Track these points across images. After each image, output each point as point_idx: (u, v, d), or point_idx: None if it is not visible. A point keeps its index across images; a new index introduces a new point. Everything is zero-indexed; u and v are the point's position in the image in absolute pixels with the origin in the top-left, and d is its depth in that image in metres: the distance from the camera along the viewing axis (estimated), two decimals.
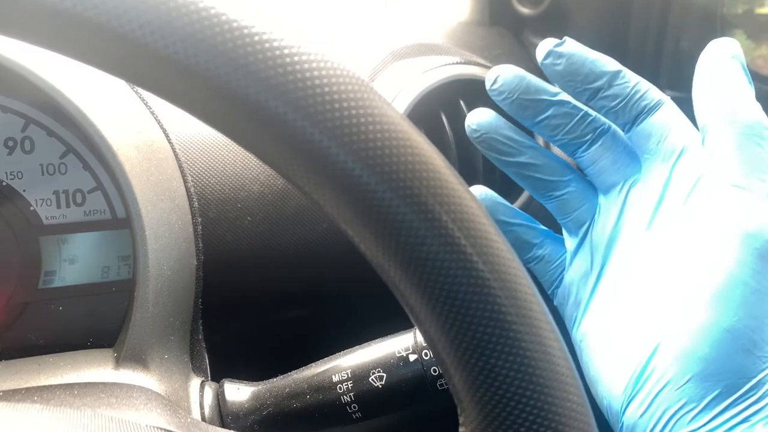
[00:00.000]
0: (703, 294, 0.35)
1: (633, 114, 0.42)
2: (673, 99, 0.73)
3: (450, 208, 0.25)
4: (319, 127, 0.23)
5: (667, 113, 0.42)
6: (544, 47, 0.42)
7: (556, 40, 0.42)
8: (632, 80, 0.42)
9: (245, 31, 0.22)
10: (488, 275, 0.25)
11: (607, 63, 0.42)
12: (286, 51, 0.22)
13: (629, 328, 0.39)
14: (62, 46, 0.23)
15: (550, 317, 0.26)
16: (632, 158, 0.43)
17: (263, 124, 0.23)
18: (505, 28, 0.73)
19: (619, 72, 0.42)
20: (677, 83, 0.74)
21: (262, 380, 0.44)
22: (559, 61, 0.41)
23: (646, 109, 0.42)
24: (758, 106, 0.37)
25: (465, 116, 0.59)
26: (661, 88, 0.69)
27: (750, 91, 0.37)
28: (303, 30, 0.63)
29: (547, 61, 0.42)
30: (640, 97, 0.42)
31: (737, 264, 0.35)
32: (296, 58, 0.22)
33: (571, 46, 0.42)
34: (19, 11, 0.21)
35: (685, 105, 0.76)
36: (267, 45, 0.22)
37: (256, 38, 0.22)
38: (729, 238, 0.35)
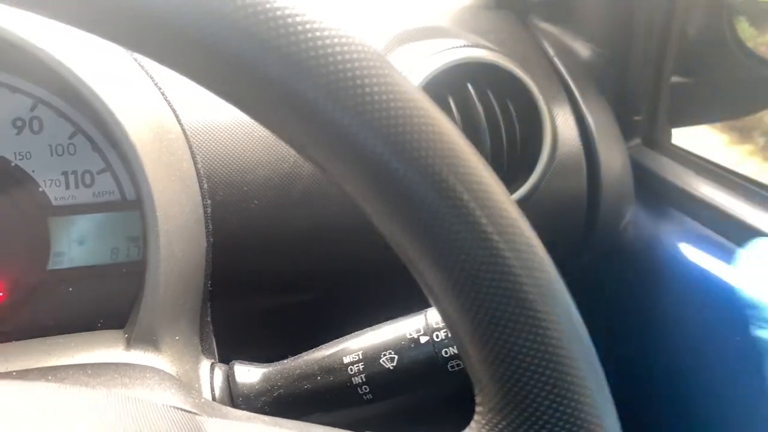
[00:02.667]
0: None
1: None
2: (679, 85, 0.74)
3: (471, 186, 0.24)
4: (341, 104, 0.22)
5: None
6: None
7: None
8: None
9: (266, 5, 0.22)
10: (508, 252, 0.25)
11: None
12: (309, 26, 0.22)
13: None
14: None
15: (569, 295, 0.26)
16: None
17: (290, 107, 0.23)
18: (511, 11, 0.72)
19: None
20: (683, 69, 0.74)
21: (272, 362, 0.44)
22: None
23: None
24: None
25: (473, 100, 0.59)
26: (668, 74, 0.69)
27: None
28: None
29: None
30: None
31: None
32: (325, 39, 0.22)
33: None
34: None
35: (690, 91, 0.76)
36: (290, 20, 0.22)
37: (279, 13, 0.22)
38: None
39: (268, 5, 0.22)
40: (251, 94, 0.23)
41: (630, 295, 0.67)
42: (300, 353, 0.44)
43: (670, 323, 0.63)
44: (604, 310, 0.70)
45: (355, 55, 0.23)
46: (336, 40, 0.23)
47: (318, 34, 0.22)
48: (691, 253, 0.61)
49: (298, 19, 0.22)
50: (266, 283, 0.58)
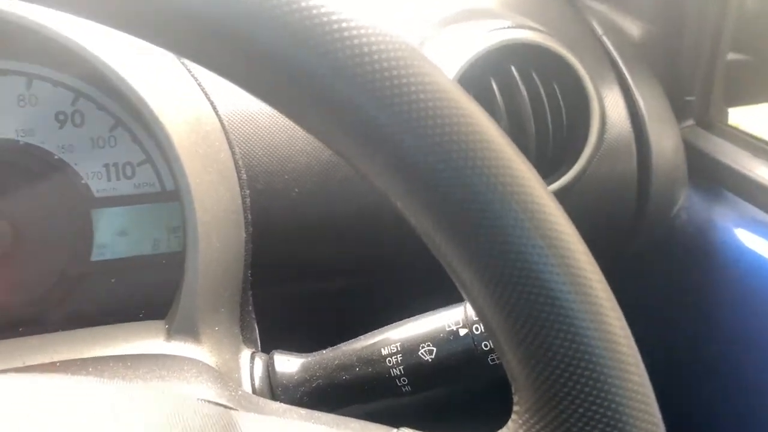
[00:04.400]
0: None
1: None
2: (738, 62, 0.70)
3: (505, 182, 0.24)
4: (384, 110, 0.22)
5: None
6: None
7: None
8: None
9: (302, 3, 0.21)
10: (543, 250, 0.24)
11: None
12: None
13: None
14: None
15: (611, 295, 0.25)
16: None
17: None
18: None
19: None
20: (743, 46, 0.70)
21: (312, 351, 0.44)
22: None
23: None
24: None
25: (516, 82, 0.57)
26: (724, 51, 0.66)
27: None
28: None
29: None
30: None
31: None
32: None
33: None
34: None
35: (750, 69, 0.72)
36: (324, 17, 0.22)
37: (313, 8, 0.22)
38: None
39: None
40: (291, 96, 0.22)
41: (683, 282, 0.65)
42: (340, 341, 0.44)
43: (725, 311, 0.61)
44: (656, 297, 0.68)
45: (399, 57, 0.22)
46: (381, 47, 0.22)
47: (364, 40, 0.22)
48: (748, 239, 0.59)
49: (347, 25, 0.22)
50: (307, 271, 0.58)
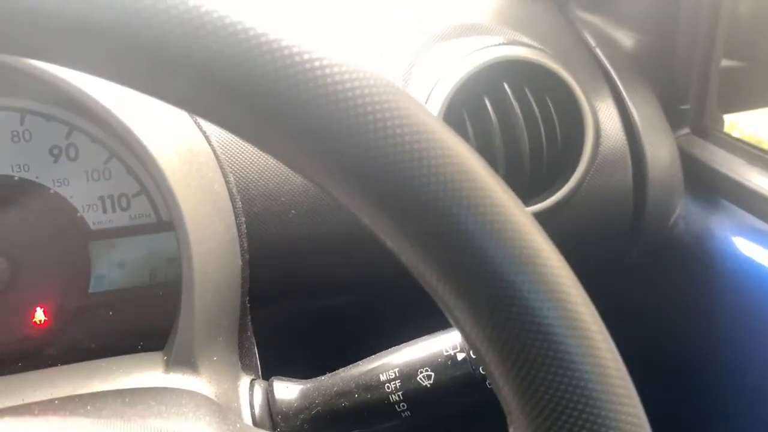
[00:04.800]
0: None
1: None
2: (730, 69, 0.71)
3: (492, 218, 0.24)
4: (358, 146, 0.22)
5: None
6: None
7: None
8: None
9: (276, 45, 0.22)
10: (538, 288, 0.24)
11: None
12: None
13: None
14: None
15: (602, 327, 0.25)
16: None
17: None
18: (549, 2, 0.70)
19: None
20: (736, 52, 0.70)
21: (311, 374, 0.44)
22: None
23: None
24: None
25: (509, 99, 0.58)
26: (717, 58, 0.66)
27: None
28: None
29: None
30: None
31: None
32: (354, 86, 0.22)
33: None
34: None
35: (744, 75, 0.73)
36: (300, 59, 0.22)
37: (289, 52, 0.22)
38: None
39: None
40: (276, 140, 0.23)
41: (682, 291, 0.65)
42: (340, 360, 0.44)
43: (723, 319, 0.61)
44: (654, 306, 0.68)
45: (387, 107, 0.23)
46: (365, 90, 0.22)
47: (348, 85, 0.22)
48: (745, 247, 0.59)
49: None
50: (305, 291, 0.58)
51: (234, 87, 0.22)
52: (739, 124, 1.00)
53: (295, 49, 0.22)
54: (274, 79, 0.22)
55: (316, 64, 0.22)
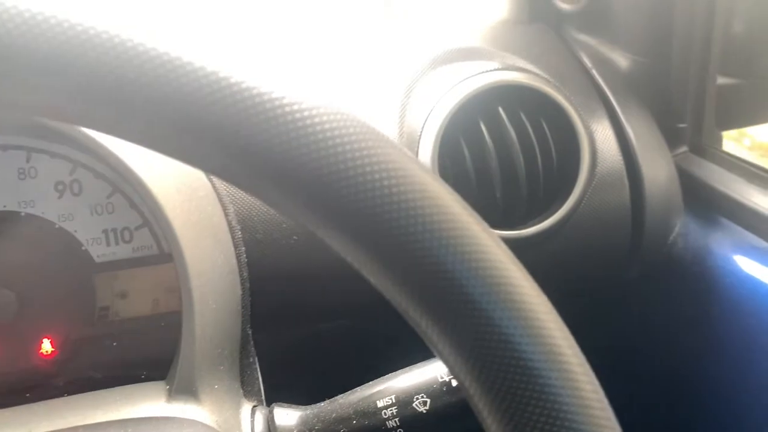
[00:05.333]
0: None
1: None
2: (726, 86, 0.71)
3: (473, 254, 0.25)
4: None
5: None
6: None
7: None
8: None
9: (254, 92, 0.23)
10: (514, 320, 0.25)
11: None
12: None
13: None
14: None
15: (581, 357, 0.26)
16: None
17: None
18: (545, 24, 0.71)
19: None
20: (730, 69, 0.71)
21: (315, 397, 0.45)
22: None
23: None
24: None
25: (504, 123, 0.58)
26: (713, 76, 0.67)
27: None
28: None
29: None
30: None
31: None
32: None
33: None
34: None
35: (738, 93, 0.73)
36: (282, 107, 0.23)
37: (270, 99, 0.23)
38: None
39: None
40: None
41: (682, 309, 0.65)
42: (342, 382, 0.45)
43: (724, 338, 0.61)
44: (655, 325, 0.68)
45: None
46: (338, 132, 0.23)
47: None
48: (745, 264, 0.59)
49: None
50: (308, 315, 0.59)
51: (221, 138, 0.23)
52: (750, 131, 1.00)
53: (276, 100, 0.23)
54: (257, 131, 0.23)
55: (297, 114, 0.23)
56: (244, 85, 0.22)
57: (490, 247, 0.25)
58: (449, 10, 0.77)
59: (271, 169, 0.23)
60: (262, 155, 0.23)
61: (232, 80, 0.22)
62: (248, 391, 0.46)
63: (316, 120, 0.24)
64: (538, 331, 0.25)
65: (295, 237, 0.55)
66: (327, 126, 0.24)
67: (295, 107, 0.23)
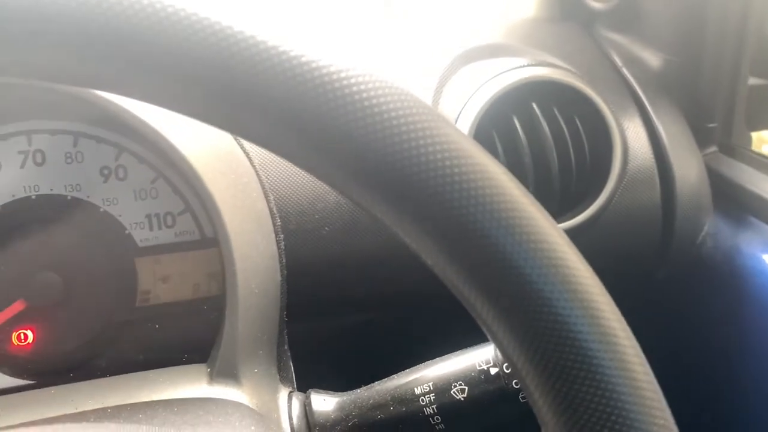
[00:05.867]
0: None
1: None
2: (758, 87, 0.71)
3: (529, 236, 0.25)
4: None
5: None
6: None
7: None
8: None
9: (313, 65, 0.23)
10: (571, 303, 0.25)
11: None
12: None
13: None
14: None
15: (634, 341, 0.27)
16: None
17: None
18: (576, 23, 0.72)
19: None
20: (762, 70, 0.71)
21: (345, 388, 0.45)
22: None
23: None
24: None
25: (538, 118, 0.59)
26: (744, 77, 0.67)
27: None
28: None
29: None
30: None
31: None
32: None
33: None
34: None
35: None
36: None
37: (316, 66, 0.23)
38: None
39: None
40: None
41: (711, 309, 0.65)
42: (374, 374, 0.45)
43: (753, 337, 0.61)
44: (684, 324, 0.68)
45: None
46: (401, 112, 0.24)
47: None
48: None
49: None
50: (339, 306, 0.60)
51: (288, 117, 0.23)
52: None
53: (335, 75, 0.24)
54: (325, 111, 0.23)
55: (363, 94, 0.24)
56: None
57: (547, 228, 0.26)
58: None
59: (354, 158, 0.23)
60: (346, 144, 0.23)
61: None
62: (283, 378, 0.47)
63: (381, 99, 0.24)
64: (593, 312, 0.25)
65: (326, 228, 0.56)
66: (391, 107, 0.24)
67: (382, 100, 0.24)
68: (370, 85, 0.24)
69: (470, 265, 0.25)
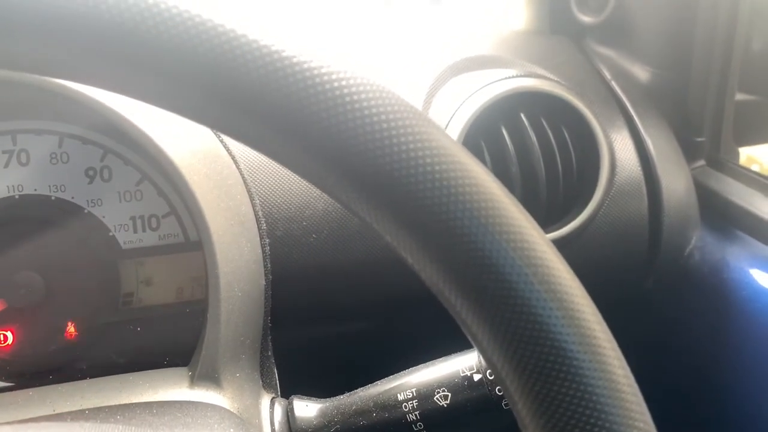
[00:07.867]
0: None
1: None
2: (744, 103, 0.72)
3: (509, 236, 0.25)
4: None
5: None
6: None
7: None
8: None
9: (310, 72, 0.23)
10: (551, 304, 0.25)
11: None
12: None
13: None
14: None
15: (614, 343, 0.26)
16: None
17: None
18: (565, 36, 0.72)
19: None
20: (749, 86, 0.71)
21: (329, 395, 0.45)
22: None
23: None
24: None
25: (526, 129, 0.59)
26: (731, 92, 0.67)
27: None
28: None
29: None
30: None
31: None
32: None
33: None
34: None
35: (758, 109, 0.74)
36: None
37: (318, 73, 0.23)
38: None
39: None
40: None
41: (698, 321, 0.65)
42: (357, 382, 0.45)
43: (739, 350, 0.61)
44: (670, 337, 0.68)
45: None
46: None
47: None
48: (761, 278, 0.59)
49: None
50: (325, 314, 0.59)
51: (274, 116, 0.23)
52: (760, 158, 1.01)
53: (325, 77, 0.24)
54: (314, 111, 0.23)
55: (353, 96, 0.24)
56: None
57: (527, 228, 0.26)
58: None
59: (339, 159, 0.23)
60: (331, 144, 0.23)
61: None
62: (266, 384, 0.47)
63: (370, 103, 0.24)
64: (572, 313, 0.25)
65: (314, 235, 0.56)
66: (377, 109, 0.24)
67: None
68: (351, 81, 0.24)
69: (449, 263, 0.25)
